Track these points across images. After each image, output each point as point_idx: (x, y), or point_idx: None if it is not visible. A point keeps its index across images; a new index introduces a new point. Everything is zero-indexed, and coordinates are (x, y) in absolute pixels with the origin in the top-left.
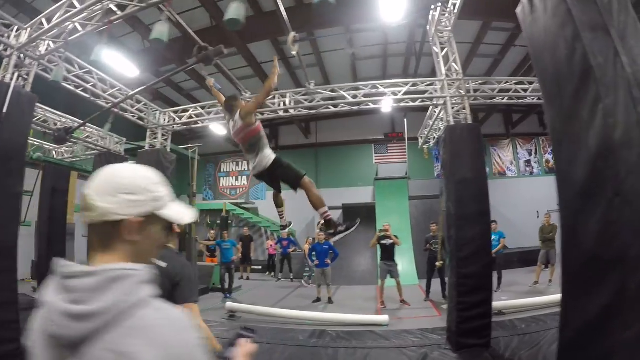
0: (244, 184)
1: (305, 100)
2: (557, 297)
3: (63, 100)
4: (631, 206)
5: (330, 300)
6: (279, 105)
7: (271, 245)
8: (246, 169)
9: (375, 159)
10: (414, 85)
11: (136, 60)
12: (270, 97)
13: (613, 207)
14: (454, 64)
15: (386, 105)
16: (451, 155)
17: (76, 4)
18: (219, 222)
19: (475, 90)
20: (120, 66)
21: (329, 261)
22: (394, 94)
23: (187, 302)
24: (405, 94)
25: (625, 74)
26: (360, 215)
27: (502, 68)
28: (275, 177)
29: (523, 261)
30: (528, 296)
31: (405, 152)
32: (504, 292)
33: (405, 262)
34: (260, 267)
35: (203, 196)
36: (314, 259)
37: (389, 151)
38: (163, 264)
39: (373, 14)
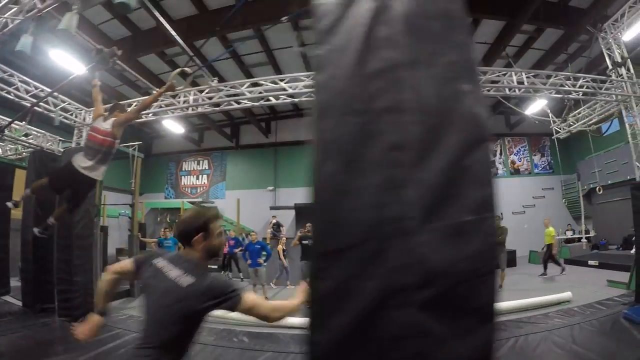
0: (204, 183)
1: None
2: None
3: None
4: None
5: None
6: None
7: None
8: (207, 167)
9: None
10: None
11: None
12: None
13: None
14: None
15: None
16: None
17: None
18: (176, 221)
19: None
20: (65, 63)
21: (261, 261)
22: None
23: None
24: None
25: None
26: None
27: None
28: (75, 191)
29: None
30: None
31: None
32: None
33: None
34: (215, 267)
35: (165, 194)
36: (247, 258)
37: None
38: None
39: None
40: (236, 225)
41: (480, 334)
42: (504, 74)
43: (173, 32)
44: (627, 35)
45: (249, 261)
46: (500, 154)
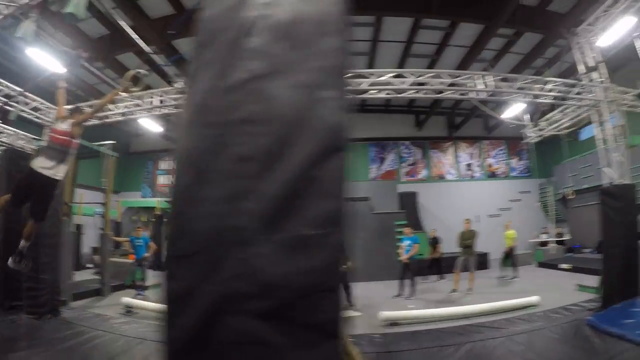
0: None
1: None
2: (459, 309)
3: None
4: None
5: None
6: None
7: None
8: None
9: None
10: None
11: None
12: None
13: None
14: None
15: None
16: None
17: None
18: (153, 219)
19: None
20: (45, 62)
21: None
22: None
23: None
24: None
25: None
26: None
27: (439, 67)
28: (39, 196)
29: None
30: (439, 305)
31: None
32: (416, 300)
33: None
34: None
35: (142, 193)
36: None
37: None
38: None
39: None
40: None
41: (324, 349)
42: (468, 77)
43: (134, 35)
44: (602, 41)
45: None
46: (478, 156)
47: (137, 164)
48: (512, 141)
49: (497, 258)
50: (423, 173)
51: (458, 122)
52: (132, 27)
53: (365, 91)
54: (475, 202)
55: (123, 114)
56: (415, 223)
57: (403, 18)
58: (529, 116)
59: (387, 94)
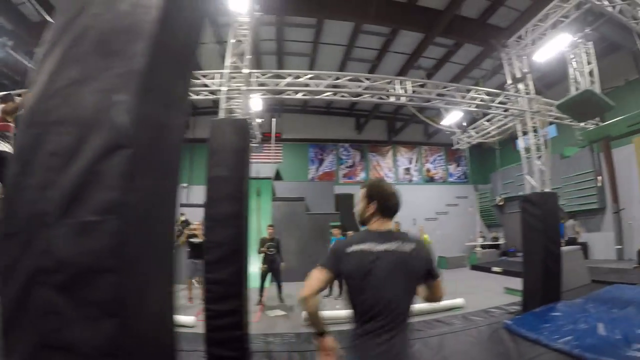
0: None
1: None
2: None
3: None
4: None
5: None
6: None
7: None
8: None
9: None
10: None
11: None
12: None
13: None
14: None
15: None
16: (210, 151)
17: None
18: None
19: (262, 84)
20: None
21: None
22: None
23: None
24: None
25: None
26: None
27: (380, 72)
28: None
29: None
30: None
31: (281, 152)
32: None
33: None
34: None
35: None
36: None
37: (264, 151)
38: None
39: None
40: None
41: (104, 325)
42: (388, 82)
43: None
44: (538, 55)
45: None
46: (417, 161)
47: None
48: (451, 148)
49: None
50: (361, 175)
51: (398, 127)
52: None
53: (282, 91)
54: (413, 205)
55: None
56: (351, 224)
57: (344, 22)
58: (460, 124)
59: (304, 95)
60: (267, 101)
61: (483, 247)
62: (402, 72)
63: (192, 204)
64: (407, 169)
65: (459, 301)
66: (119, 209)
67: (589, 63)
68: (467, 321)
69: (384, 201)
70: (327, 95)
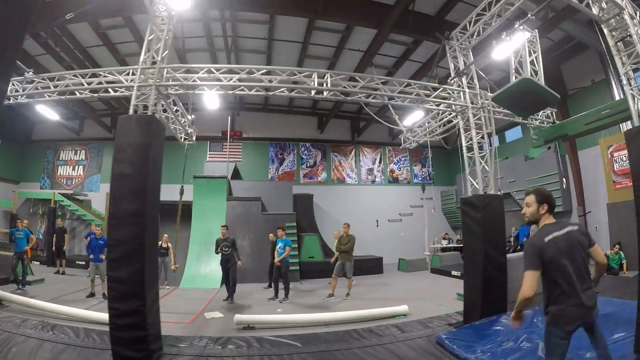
0: (79, 174)
1: None
2: (314, 316)
3: None
4: None
5: (104, 296)
6: None
7: None
8: (83, 158)
9: (209, 157)
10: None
11: None
12: None
13: None
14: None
15: None
16: (115, 148)
17: None
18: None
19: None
20: None
21: (103, 257)
22: None
23: None
24: None
25: None
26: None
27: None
28: None
29: (363, 269)
30: (309, 310)
31: (240, 151)
32: (288, 304)
33: (214, 265)
34: (84, 263)
35: (40, 184)
36: (90, 253)
37: (224, 149)
38: None
39: None
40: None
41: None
42: (307, 75)
43: None
44: (497, 52)
45: (92, 256)
46: (380, 162)
47: (39, 154)
48: (416, 149)
49: (393, 262)
50: (323, 175)
51: (361, 127)
52: None
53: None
54: (376, 206)
55: (28, 96)
56: (309, 225)
57: (296, 18)
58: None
59: (217, 89)
60: (225, 98)
61: (444, 250)
62: (359, 69)
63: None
64: (370, 170)
65: (401, 308)
66: None
67: (533, 52)
68: (400, 332)
69: (551, 202)
70: (239, 91)
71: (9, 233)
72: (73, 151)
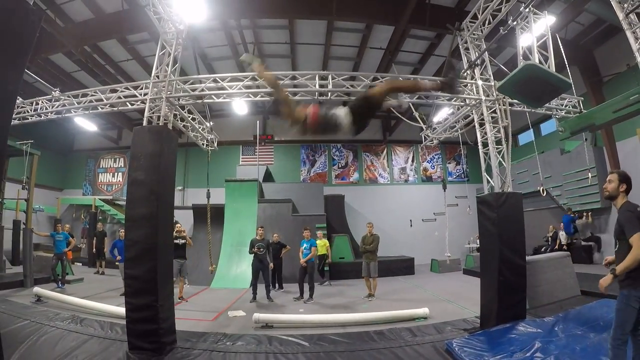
0: (119, 180)
1: None
2: (330, 317)
3: None
4: None
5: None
6: None
7: None
8: (122, 165)
9: (242, 160)
10: None
11: None
12: None
13: None
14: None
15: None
16: (131, 157)
17: None
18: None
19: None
20: None
21: None
22: None
23: None
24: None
25: None
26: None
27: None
28: None
29: (394, 270)
30: (331, 311)
31: (272, 154)
32: (312, 305)
33: (244, 266)
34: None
35: (83, 191)
36: (116, 254)
37: (256, 153)
38: None
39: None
40: None
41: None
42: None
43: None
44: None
45: (119, 257)
46: (412, 160)
47: (80, 162)
48: (449, 146)
49: (426, 264)
50: (355, 176)
51: (393, 125)
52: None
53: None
54: (409, 206)
55: (57, 112)
56: (340, 226)
57: (315, 21)
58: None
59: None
60: (254, 103)
61: (479, 250)
62: (382, 67)
63: (179, 206)
64: (403, 169)
65: (421, 311)
66: None
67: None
68: (412, 336)
69: (630, 184)
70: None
71: (49, 235)
72: (112, 159)
